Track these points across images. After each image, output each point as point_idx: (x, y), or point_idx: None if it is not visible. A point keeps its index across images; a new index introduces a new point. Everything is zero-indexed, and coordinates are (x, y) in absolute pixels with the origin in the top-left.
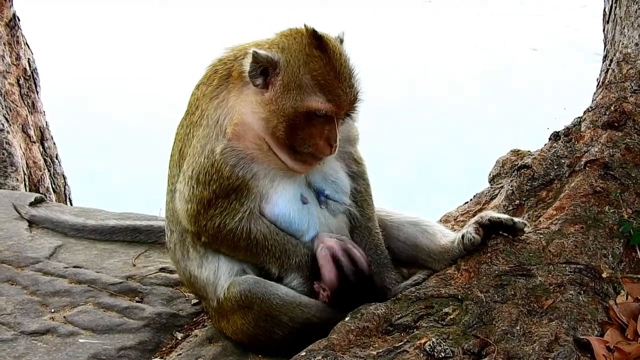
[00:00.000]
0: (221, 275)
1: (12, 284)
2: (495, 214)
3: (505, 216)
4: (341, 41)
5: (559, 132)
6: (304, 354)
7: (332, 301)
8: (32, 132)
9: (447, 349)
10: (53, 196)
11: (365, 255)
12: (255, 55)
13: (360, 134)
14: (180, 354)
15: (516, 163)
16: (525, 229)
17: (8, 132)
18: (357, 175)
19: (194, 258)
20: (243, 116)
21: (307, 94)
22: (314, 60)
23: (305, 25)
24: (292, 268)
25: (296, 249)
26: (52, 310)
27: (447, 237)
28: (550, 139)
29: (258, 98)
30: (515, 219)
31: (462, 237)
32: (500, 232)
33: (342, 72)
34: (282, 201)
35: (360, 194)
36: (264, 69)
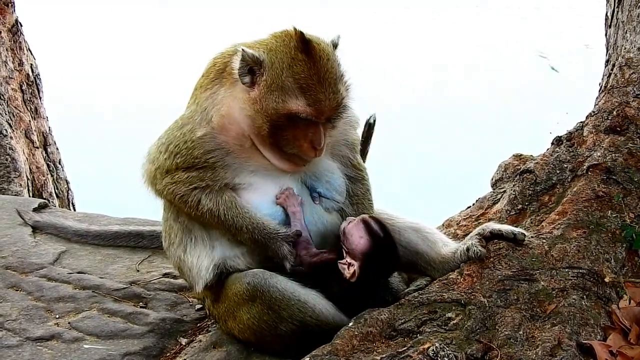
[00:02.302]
0: (204, 258)
1: (16, 290)
2: (497, 226)
3: (506, 228)
4: (335, 46)
5: (561, 136)
6: (307, 359)
7: (359, 276)
8: (35, 138)
9: (450, 354)
10: (56, 201)
11: None
12: (243, 54)
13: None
14: (185, 359)
15: (518, 167)
16: (526, 240)
17: (11, 137)
18: (356, 179)
19: (179, 243)
20: (231, 110)
21: (288, 96)
22: (297, 64)
23: (294, 28)
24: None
25: (255, 223)
26: (57, 316)
27: (448, 246)
28: (552, 143)
29: (245, 96)
30: (516, 231)
31: (467, 249)
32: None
33: (325, 77)
34: (258, 198)
35: (358, 196)
36: (250, 68)
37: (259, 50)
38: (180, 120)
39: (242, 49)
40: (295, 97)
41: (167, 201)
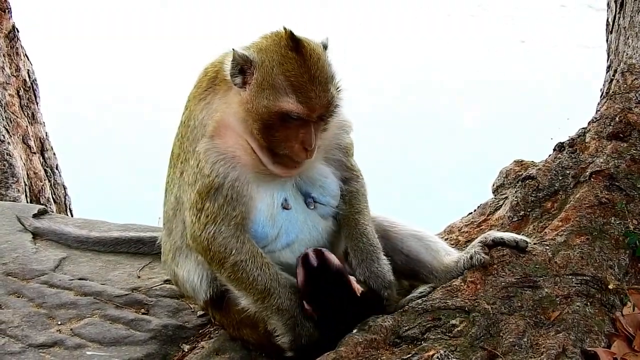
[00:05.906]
0: (195, 274)
1: (18, 297)
2: (499, 234)
3: (509, 236)
4: (325, 47)
5: (563, 142)
6: None
7: (318, 311)
8: (32, 143)
9: None
10: (54, 206)
11: (341, 262)
12: (234, 54)
13: (363, 142)
14: None
15: (520, 173)
16: (528, 247)
17: (9, 143)
18: (350, 179)
19: (172, 258)
20: (225, 116)
21: (279, 94)
22: (288, 62)
23: (284, 28)
24: (273, 310)
25: (281, 288)
26: (59, 323)
27: (450, 255)
28: (554, 149)
29: (238, 98)
30: (518, 239)
31: (471, 257)
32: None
33: (316, 75)
34: (261, 206)
35: (351, 193)
36: (241, 68)
37: (249, 50)
38: (189, 147)
39: (233, 49)
40: (286, 95)
41: (205, 250)
